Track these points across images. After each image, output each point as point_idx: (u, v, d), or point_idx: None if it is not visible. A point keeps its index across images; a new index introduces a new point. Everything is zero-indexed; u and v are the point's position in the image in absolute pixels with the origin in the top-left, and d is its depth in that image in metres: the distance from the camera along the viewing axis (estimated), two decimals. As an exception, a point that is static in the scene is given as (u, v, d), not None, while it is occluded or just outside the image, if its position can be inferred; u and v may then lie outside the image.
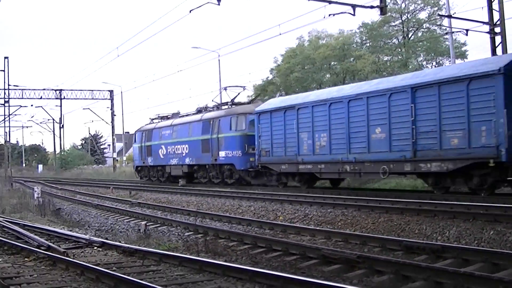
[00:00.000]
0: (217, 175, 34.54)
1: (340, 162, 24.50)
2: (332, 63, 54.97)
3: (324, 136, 25.46)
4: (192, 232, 17.93)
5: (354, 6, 23.64)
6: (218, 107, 37.02)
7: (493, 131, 18.30)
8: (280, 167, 28.44)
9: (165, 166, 40.81)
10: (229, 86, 37.94)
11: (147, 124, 46.09)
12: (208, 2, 20.06)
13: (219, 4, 20.25)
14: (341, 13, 23.82)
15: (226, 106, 36.17)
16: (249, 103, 35.57)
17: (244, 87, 38.38)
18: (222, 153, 33.22)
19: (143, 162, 44.49)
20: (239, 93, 36.80)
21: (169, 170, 40.25)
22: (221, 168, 34.06)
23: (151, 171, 44.10)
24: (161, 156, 41.15)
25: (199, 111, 38.51)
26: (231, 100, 36.02)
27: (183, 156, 37.77)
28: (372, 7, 24.17)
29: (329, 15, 23.96)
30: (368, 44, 55.66)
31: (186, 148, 37.41)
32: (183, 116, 41.08)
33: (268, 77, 59.26)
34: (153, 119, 45.99)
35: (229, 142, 32.72)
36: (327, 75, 55.91)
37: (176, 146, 38.77)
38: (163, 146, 40.73)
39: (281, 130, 28.17)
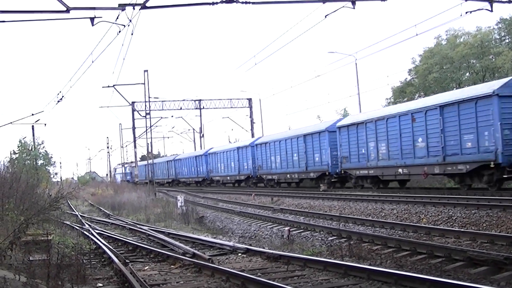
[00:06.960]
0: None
1: None
2: (471, 61, 53.46)
3: None
4: (335, 237, 18.14)
5: (491, 2, 22.99)
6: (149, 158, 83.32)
7: None
8: None
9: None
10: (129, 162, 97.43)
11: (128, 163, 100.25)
12: (343, 7, 20.11)
13: (354, 8, 20.27)
14: (478, 9, 23.21)
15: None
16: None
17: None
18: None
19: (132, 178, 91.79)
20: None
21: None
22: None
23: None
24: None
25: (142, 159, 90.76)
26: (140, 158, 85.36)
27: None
28: (510, 1, 23.47)
29: (466, 12, 23.44)
30: (507, 40, 53.73)
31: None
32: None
33: (406, 78, 58.42)
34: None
35: (142, 170, 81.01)
36: (466, 74, 54.44)
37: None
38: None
39: None
